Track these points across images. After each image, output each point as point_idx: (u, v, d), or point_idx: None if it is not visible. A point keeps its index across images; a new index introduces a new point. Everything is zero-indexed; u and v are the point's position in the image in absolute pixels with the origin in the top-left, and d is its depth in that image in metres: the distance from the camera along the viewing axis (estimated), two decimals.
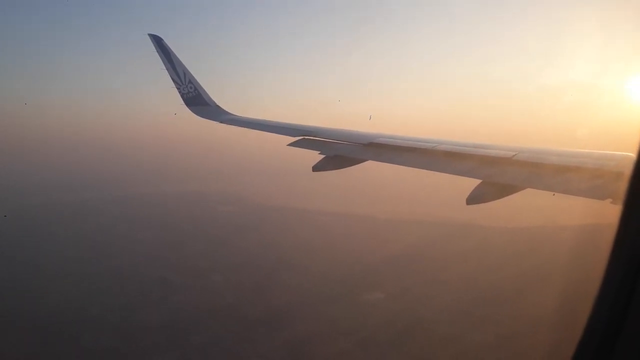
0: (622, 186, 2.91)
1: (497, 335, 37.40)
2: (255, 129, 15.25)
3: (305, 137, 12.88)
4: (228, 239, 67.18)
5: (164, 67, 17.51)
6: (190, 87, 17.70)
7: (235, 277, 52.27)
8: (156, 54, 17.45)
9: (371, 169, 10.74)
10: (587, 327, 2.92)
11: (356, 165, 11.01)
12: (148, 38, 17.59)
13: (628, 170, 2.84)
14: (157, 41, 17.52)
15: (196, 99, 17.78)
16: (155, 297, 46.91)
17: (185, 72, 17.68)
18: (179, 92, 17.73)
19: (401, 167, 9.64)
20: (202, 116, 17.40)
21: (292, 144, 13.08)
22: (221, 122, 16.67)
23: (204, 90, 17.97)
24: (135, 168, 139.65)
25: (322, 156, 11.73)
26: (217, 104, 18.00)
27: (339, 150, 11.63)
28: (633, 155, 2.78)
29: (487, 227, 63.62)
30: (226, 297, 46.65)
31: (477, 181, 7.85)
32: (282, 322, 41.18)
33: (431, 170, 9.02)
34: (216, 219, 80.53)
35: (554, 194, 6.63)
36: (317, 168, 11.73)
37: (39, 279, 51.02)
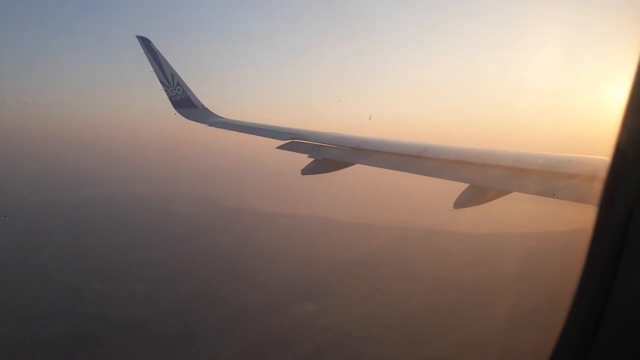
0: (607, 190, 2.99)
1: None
2: (244, 132, 15.27)
3: (295, 140, 12.98)
4: (174, 243, 64.94)
5: (152, 69, 17.46)
6: (179, 90, 17.66)
7: (163, 285, 49.31)
8: (144, 55, 17.39)
9: (360, 173, 10.88)
10: (561, 336, 2.99)
11: (345, 169, 11.15)
12: (136, 39, 17.54)
13: (603, 173, 2.93)
14: (145, 43, 17.45)
15: (184, 102, 17.74)
16: (65, 306, 43.84)
17: (174, 75, 17.64)
18: (167, 94, 17.68)
19: (390, 170, 9.80)
20: (190, 119, 17.37)
21: (281, 147, 13.15)
22: (210, 125, 16.66)
23: (192, 93, 17.95)
24: (116, 169, 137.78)
25: (311, 159, 11.85)
26: (206, 106, 17.99)
27: (328, 154, 11.74)
28: (607, 158, 2.89)
29: (465, 233, 63.58)
30: (143, 309, 43.76)
31: (465, 185, 8.04)
32: (191, 340, 38.61)
33: (419, 174, 9.18)
34: (172, 221, 78.25)
35: (554, 194, 6.81)
36: (305, 171, 11.84)
37: None
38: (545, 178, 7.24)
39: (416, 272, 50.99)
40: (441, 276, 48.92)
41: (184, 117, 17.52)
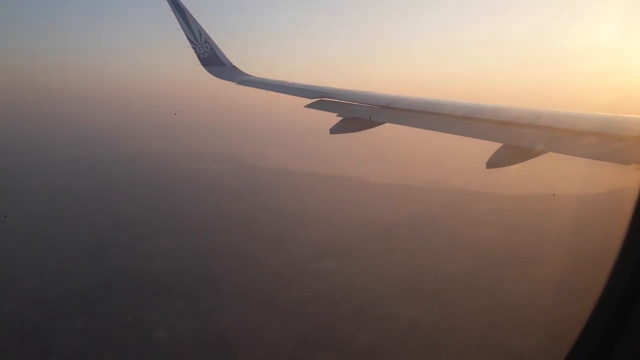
0: None
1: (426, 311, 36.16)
2: (272, 90, 15.17)
3: (323, 98, 12.81)
4: (200, 200, 65.48)
5: (180, 27, 17.33)
6: (206, 47, 17.54)
7: (188, 240, 50.01)
8: (172, 12, 17.24)
9: (389, 132, 10.70)
10: (603, 294, 2.91)
11: (374, 128, 11.00)
12: None
13: None
14: (172, 0, 17.28)
15: (212, 59, 17.65)
16: (94, 259, 45.52)
17: (201, 32, 17.49)
18: (195, 52, 17.60)
19: (420, 130, 9.62)
20: (218, 76, 17.32)
21: (309, 106, 13.03)
22: (238, 83, 16.59)
23: (220, 50, 17.81)
24: (144, 126, 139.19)
25: (340, 118, 11.72)
26: (234, 64, 17.87)
27: (357, 113, 11.59)
28: None
29: (495, 194, 62.29)
30: (167, 262, 44.85)
31: (498, 144, 7.84)
32: (211, 292, 39.29)
33: (450, 133, 8.98)
34: (199, 179, 78.70)
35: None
36: (334, 130, 11.74)
37: None
38: (583, 139, 6.99)
39: (441, 232, 50.69)
40: (468, 237, 48.50)
41: (212, 75, 17.48)
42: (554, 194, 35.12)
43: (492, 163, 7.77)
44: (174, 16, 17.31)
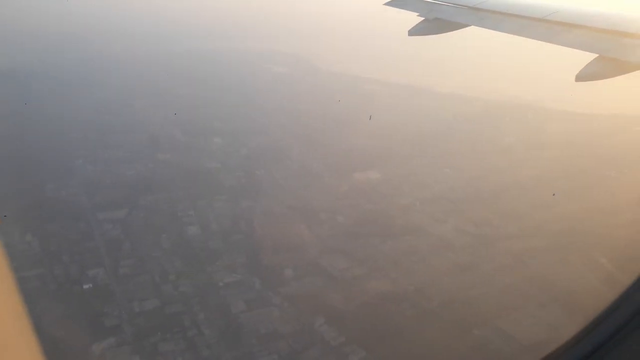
0: None
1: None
2: None
3: None
4: (259, 101, 64.07)
5: None
6: None
7: (238, 140, 50.89)
8: None
9: (474, 36, 10.06)
10: None
11: (457, 31, 10.36)
12: None
13: None
14: None
15: None
16: (146, 152, 47.06)
17: None
18: None
19: (508, 35, 8.97)
20: None
21: (389, 4, 12.40)
22: None
23: None
24: (210, 23, 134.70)
25: (421, 19, 11.09)
26: None
27: (440, 13, 10.89)
28: None
29: (580, 113, 57.17)
30: (214, 161, 46.05)
31: (593, 55, 7.20)
32: (243, 193, 40.53)
33: (542, 40, 8.33)
34: (261, 79, 76.59)
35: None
36: (413, 32, 11.17)
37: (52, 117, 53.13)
38: None
39: (499, 153, 47.77)
40: (528, 157, 45.46)
41: None
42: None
43: (583, 76, 7.19)
44: None
